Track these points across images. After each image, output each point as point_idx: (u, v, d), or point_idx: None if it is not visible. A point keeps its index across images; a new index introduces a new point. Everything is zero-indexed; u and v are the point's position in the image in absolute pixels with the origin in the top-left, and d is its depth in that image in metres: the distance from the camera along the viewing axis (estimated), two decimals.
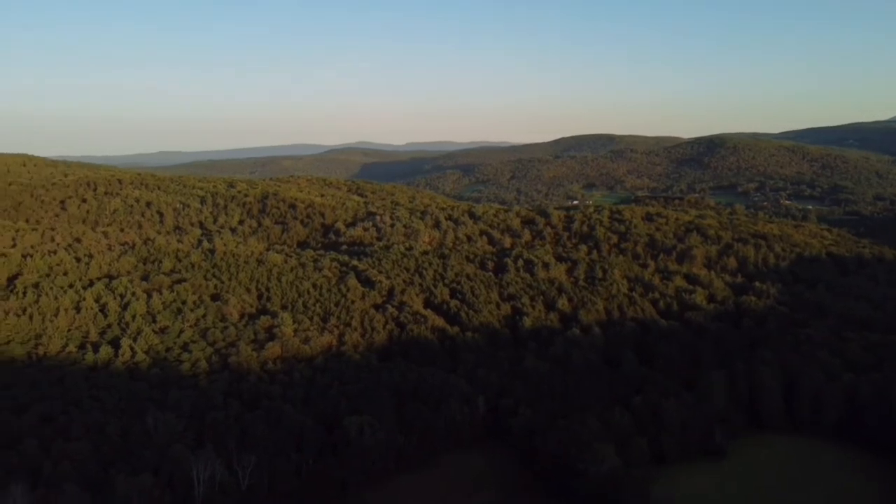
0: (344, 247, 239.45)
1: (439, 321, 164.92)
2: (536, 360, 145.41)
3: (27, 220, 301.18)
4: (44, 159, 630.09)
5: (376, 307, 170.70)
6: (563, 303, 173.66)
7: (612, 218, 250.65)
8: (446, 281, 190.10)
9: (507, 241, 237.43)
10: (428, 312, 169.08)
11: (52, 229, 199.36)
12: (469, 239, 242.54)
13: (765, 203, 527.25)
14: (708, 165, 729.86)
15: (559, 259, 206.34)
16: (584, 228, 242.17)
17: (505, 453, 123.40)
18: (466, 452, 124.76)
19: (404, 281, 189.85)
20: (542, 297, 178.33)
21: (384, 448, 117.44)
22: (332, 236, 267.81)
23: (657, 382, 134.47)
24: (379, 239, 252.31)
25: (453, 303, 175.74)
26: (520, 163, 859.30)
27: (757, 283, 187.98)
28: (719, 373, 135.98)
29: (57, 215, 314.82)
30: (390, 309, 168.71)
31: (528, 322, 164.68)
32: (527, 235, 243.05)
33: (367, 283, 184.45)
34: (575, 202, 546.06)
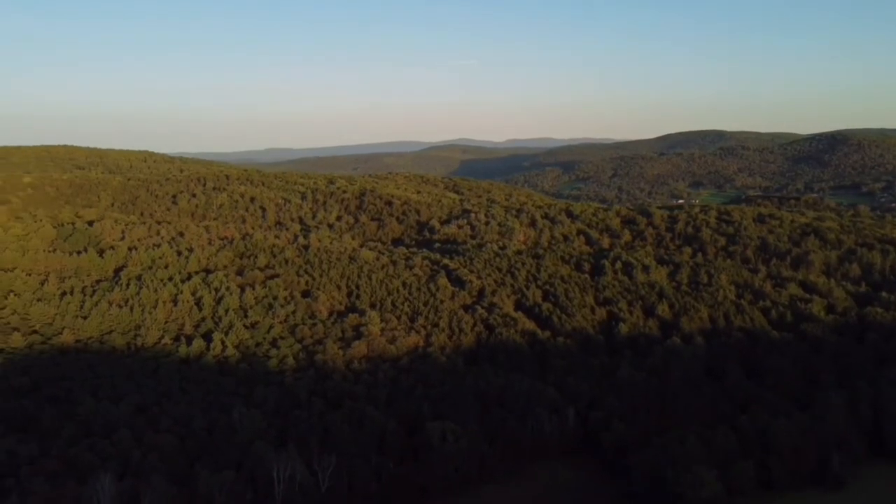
0: (437, 244, 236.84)
1: (530, 324, 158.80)
2: (632, 371, 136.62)
3: (141, 214, 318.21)
4: (163, 156, 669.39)
5: (465, 308, 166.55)
6: (663, 309, 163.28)
7: (720, 219, 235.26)
8: (539, 282, 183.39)
9: (606, 242, 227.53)
10: (518, 315, 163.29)
11: (158, 223, 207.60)
12: (565, 238, 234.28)
13: (893, 204, 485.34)
14: (828, 163, 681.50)
15: (660, 262, 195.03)
16: (689, 229, 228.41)
17: (594, 468, 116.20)
18: (553, 465, 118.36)
19: (495, 281, 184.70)
20: (640, 303, 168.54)
21: (467, 456, 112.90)
22: (427, 233, 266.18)
23: (766, 400, 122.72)
24: (473, 237, 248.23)
25: (545, 305, 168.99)
26: (622, 160, 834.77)
27: (883, 294, 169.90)
28: (838, 392, 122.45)
29: (168, 209, 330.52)
30: (479, 310, 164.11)
31: (624, 328, 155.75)
32: (626, 236, 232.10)
33: (458, 282, 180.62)
34: (680, 201, 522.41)
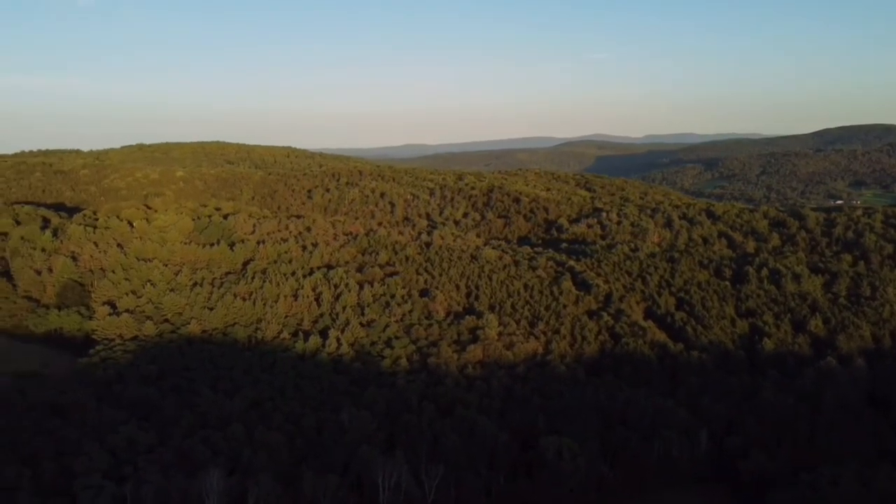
0: (564, 244, 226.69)
1: (660, 335, 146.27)
2: (777, 393, 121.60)
3: (278, 207, 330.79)
4: (305, 151, 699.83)
5: (590, 314, 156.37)
6: (816, 324, 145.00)
7: (887, 223, 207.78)
8: (673, 289, 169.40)
9: (750, 246, 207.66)
10: (648, 324, 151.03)
11: (288, 218, 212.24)
12: (704, 241, 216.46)
13: None
14: None
15: (814, 270, 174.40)
16: (849, 234, 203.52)
17: (727, 501, 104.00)
18: (681, 492, 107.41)
19: (624, 286, 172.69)
20: (789, 316, 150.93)
21: (584, 476, 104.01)
22: (555, 232, 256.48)
23: None
24: (603, 237, 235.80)
25: (679, 315, 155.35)
26: (772, 156, 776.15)
27: None
28: None
29: (303, 203, 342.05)
30: (605, 317, 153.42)
31: (769, 345, 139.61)
32: (775, 240, 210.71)
33: (583, 286, 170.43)
34: (838, 202, 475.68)
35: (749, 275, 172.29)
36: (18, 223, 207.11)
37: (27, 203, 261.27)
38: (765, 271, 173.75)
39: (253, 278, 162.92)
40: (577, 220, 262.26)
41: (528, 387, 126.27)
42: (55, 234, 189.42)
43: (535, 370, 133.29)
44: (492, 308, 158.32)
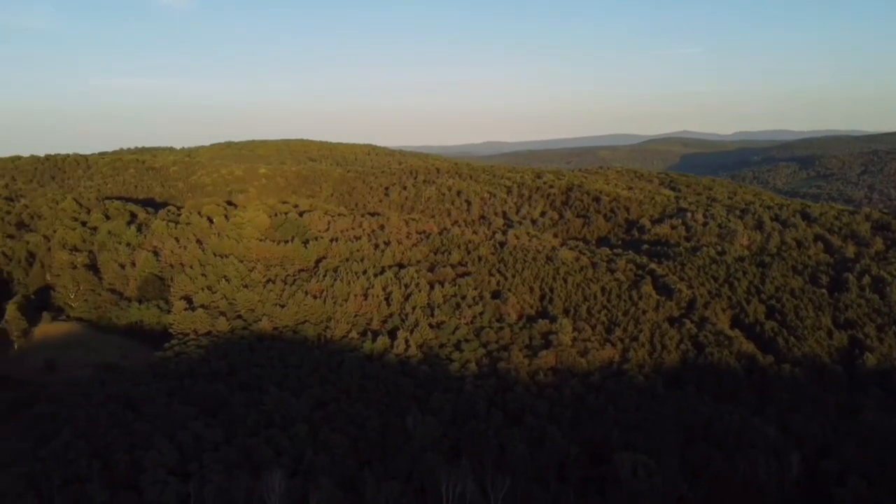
0: (645, 246, 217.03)
1: (748, 346, 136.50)
2: (880, 414, 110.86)
3: (356, 205, 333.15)
4: (385, 149, 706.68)
5: (671, 321, 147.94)
6: None
7: None
8: (763, 296, 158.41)
9: (850, 251, 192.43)
10: (735, 333, 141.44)
11: (362, 215, 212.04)
12: (799, 245, 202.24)
13: None
14: None
15: None
16: None
17: None
18: None
19: (709, 292, 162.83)
20: (894, 328, 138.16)
21: (661, 495, 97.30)
22: (636, 233, 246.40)
23: None
24: (687, 239, 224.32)
25: (769, 324, 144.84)
26: (875, 154, 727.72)
27: None
28: None
29: (381, 200, 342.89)
30: (688, 324, 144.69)
31: (871, 360, 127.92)
32: (878, 244, 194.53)
33: (665, 290, 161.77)
34: None
35: (849, 282, 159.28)
36: (108, 218, 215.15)
37: (118, 198, 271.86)
38: (867, 278, 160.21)
39: (324, 276, 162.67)
40: (659, 221, 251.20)
41: (603, 397, 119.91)
42: (140, 229, 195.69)
43: (611, 379, 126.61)
44: (566, 312, 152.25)
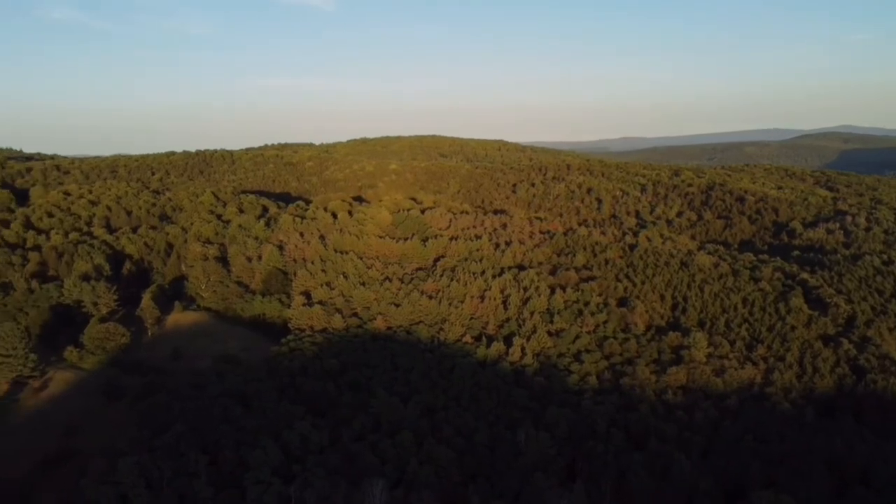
0: (796, 252, 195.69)
1: None
2: None
3: (482, 201, 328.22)
4: (516, 145, 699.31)
5: (825, 339, 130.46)
6: None
7: None
8: None
9: None
10: None
11: (485, 213, 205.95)
12: None
13: None
14: None
15: None
16: None
17: None
18: None
19: (872, 308, 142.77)
20: None
21: None
22: (785, 237, 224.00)
23: None
24: (846, 245, 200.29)
25: None
26: None
27: None
28: None
29: (507, 197, 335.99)
30: (846, 345, 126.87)
31: None
32: None
33: (818, 304, 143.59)
34: None
35: None
36: (242, 212, 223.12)
37: (254, 192, 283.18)
38: None
39: (441, 275, 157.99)
40: (813, 224, 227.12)
41: (741, 424, 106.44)
42: (268, 223, 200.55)
43: (751, 404, 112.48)
44: (701, 324, 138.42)
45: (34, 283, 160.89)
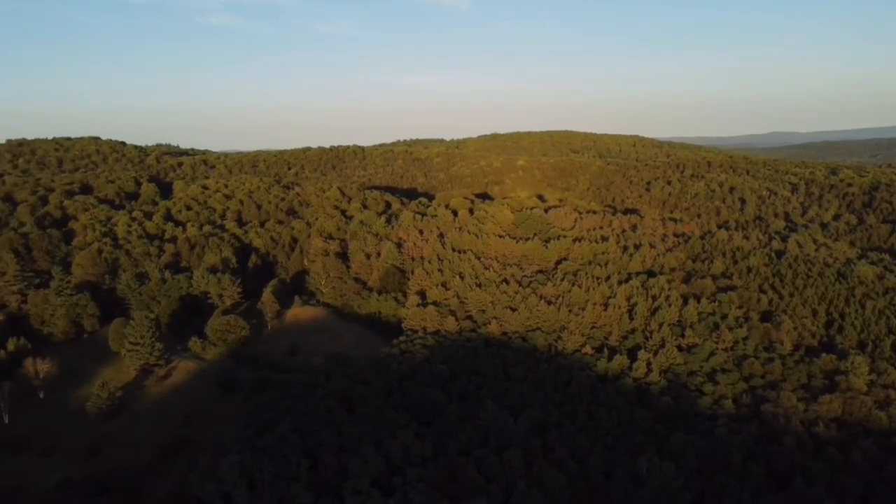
0: None
1: None
2: None
3: (612, 200, 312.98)
4: (652, 140, 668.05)
5: None
6: None
7: None
8: None
9: None
10: None
11: (614, 213, 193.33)
12: None
13: None
14: None
15: None
16: None
17: None
18: None
19: None
20: None
21: None
22: None
23: None
24: None
25: None
26: None
27: None
28: None
29: (640, 196, 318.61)
30: None
31: None
32: None
33: None
34: None
35: None
36: (365, 207, 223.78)
37: (379, 188, 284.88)
38: None
39: (562, 279, 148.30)
40: None
41: None
42: (389, 220, 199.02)
43: None
44: (861, 346, 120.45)
45: (167, 274, 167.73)
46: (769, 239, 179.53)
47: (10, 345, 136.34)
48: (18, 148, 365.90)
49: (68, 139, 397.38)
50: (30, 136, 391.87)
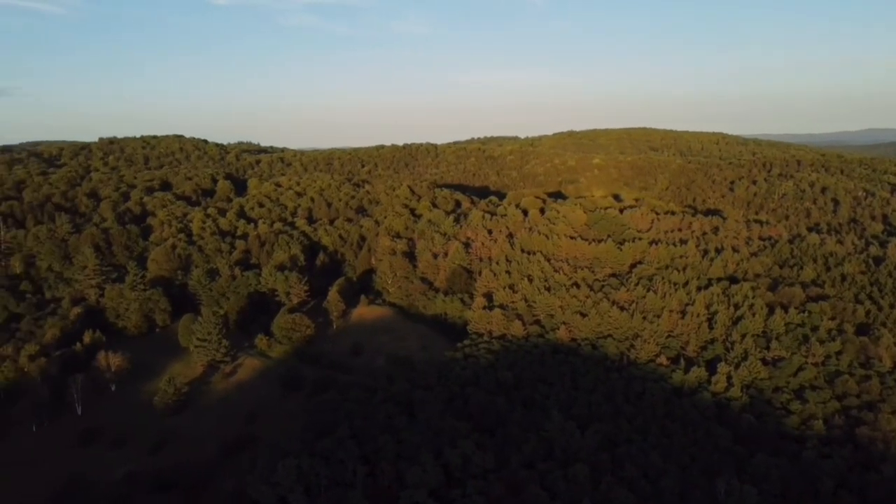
0: None
1: None
2: None
3: (693, 200, 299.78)
4: (737, 137, 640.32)
5: None
6: None
7: None
8: None
9: None
10: None
11: (694, 214, 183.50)
12: None
13: None
14: None
15: None
16: None
17: None
18: None
19: None
20: None
21: None
22: None
23: None
24: None
25: None
26: None
27: None
28: None
29: (723, 196, 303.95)
30: None
31: None
32: None
33: None
34: None
35: None
36: (435, 206, 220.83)
37: (451, 186, 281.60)
38: None
39: (636, 284, 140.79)
40: None
41: None
42: (458, 219, 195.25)
43: None
44: None
45: (237, 271, 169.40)
46: (866, 244, 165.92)
47: (87, 337, 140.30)
48: (109, 146, 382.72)
49: (154, 137, 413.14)
50: (120, 135, 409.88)
